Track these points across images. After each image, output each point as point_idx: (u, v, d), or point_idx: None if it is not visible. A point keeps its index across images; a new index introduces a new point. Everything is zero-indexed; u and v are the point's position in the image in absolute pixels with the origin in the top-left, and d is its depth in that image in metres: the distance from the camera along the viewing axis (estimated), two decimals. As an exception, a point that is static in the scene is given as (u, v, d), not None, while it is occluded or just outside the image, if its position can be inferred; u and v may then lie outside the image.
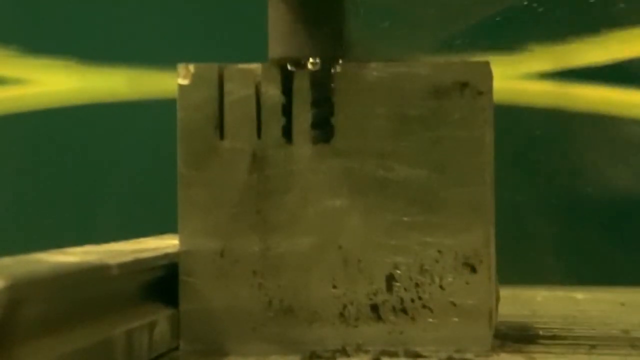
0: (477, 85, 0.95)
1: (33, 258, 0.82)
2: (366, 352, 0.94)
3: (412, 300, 0.95)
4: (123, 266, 0.85)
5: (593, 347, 0.97)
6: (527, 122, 1.66)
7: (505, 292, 1.09)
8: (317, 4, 0.97)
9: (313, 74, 0.96)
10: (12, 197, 1.79)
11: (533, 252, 1.65)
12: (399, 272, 0.95)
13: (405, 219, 0.95)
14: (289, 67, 0.96)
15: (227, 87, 0.97)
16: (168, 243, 1.04)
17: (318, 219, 0.96)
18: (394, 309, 0.95)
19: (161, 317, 0.93)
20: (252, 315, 0.96)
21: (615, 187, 1.65)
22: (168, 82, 1.29)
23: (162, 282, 0.96)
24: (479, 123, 0.95)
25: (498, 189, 0.98)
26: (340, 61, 0.97)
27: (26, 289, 0.67)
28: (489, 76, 0.96)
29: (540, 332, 1.05)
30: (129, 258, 0.88)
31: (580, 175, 1.66)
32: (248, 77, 0.97)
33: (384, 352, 0.93)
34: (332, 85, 0.96)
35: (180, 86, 0.98)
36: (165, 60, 1.65)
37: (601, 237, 1.65)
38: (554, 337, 1.02)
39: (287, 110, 0.97)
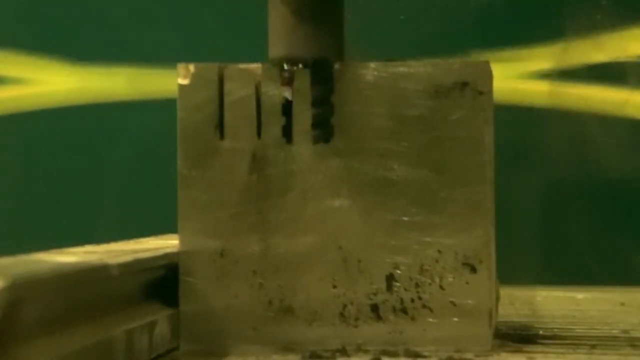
0: (477, 85, 0.95)
1: (33, 258, 0.82)
2: (366, 352, 0.94)
3: (412, 300, 0.95)
4: (123, 266, 0.85)
5: (593, 347, 0.97)
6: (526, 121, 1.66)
7: (506, 292, 1.09)
8: (316, 4, 0.97)
9: (313, 74, 0.96)
10: (12, 197, 1.79)
11: (533, 251, 1.65)
12: (399, 272, 0.95)
13: (405, 219, 0.95)
14: (285, 66, 0.96)
15: (227, 87, 0.97)
16: (168, 243, 1.04)
17: (318, 219, 0.96)
18: (394, 309, 0.95)
19: (161, 317, 0.93)
20: (252, 315, 0.96)
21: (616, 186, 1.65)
22: (168, 82, 1.29)
23: (162, 282, 0.96)
24: (479, 123, 0.95)
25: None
26: (340, 61, 0.97)
27: (26, 289, 0.67)
28: (489, 76, 0.96)
29: (540, 332, 1.05)
30: (129, 258, 0.88)
31: (581, 173, 1.66)
32: (248, 77, 0.97)
33: (384, 352, 0.93)
34: (332, 85, 0.96)
35: (180, 86, 0.98)
36: (165, 60, 1.65)
37: (601, 236, 1.65)
38: (554, 337, 1.02)
39: (287, 110, 0.97)
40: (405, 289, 0.95)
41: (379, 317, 0.95)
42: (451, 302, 0.94)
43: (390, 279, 0.95)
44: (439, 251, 0.95)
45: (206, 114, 0.97)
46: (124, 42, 1.77)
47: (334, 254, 0.95)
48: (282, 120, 0.96)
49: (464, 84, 0.95)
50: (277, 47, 0.97)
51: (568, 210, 1.66)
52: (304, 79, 0.96)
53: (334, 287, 0.96)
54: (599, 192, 1.65)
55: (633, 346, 0.97)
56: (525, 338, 1.01)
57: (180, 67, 0.98)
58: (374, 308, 0.95)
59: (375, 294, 0.95)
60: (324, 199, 0.96)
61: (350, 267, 0.95)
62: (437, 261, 0.95)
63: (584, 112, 1.66)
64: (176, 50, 1.70)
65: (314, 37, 0.96)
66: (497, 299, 1.01)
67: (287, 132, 0.96)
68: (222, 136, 0.97)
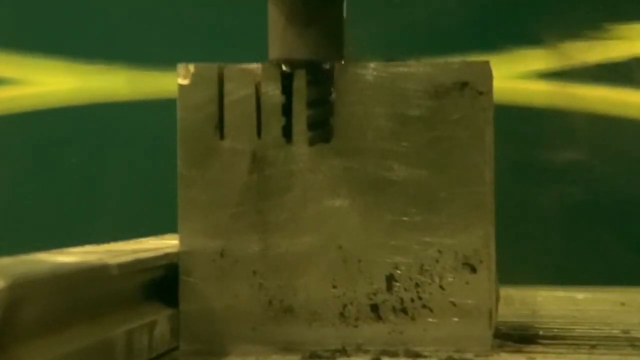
0: (477, 85, 0.95)
1: (33, 258, 0.82)
2: (366, 352, 0.94)
3: (412, 300, 0.95)
4: (123, 266, 0.85)
5: (593, 347, 0.97)
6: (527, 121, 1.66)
7: (506, 292, 1.09)
8: (314, 7, 0.97)
9: (312, 74, 0.96)
10: (12, 197, 1.79)
11: (534, 251, 1.65)
12: (399, 272, 0.95)
13: (405, 219, 0.95)
14: (283, 67, 0.96)
15: (227, 87, 0.97)
16: (168, 243, 1.04)
17: (318, 219, 0.96)
18: (394, 309, 0.95)
19: (161, 317, 0.93)
20: (252, 315, 0.96)
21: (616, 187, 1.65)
22: (168, 82, 1.29)
23: (162, 282, 0.96)
24: (479, 123, 0.95)
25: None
26: (340, 62, 0.97)
27: (26, 289, 0.67)
28: (489, 76, 0.96)
29: (540, 332, 1.05)
30: (129, 258, 0.88)
31: (582, 174, 1.66)
32: (248, 77, 0.97)
33: (384, 352, 0.93)
34: (331, 85, 0.96)
35: (180, 86, 0.98)
36: (165, 60, 1.65)
37: (602, 236, 1.65)
38: (554, 337, 1.02)
39: (287, 110, 0.97)
40: (405, 289, 0.95)
41: (379, 317, 0.95)
42: (451, 302, 0.94)
43: (390, 279, 0.95)
44: (439, 251, 0.95)
45: (206, 114, 0.97)
46: (124, 42, 1.77)
47: (334, 254, 0.95)
48: (282, 120, 0.96)
49: (464, 84, 0.95)
50: (275, 48, 0.97)
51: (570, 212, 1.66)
52: (303, 79, 0.96)
53: (334, 287, 0.96)
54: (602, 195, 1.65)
55: (633, 346, 0.97)
56: (525, 338, 1.01)
57: (180, 67, 0.98)
58: (374, 308, 0.95)
59: (375, 294, 0.95)
60: (324, 199, 0.96)
61: (350, 267, 0.95)
62: (437, 261, 0.95)
63: (583, 112, 1.66)
64: (176, 50, 1.70)
65: (312, 39, 0.96)
66: (497, 299, 1.01)
67: (287, 132, 0.96)
68: (222, 136, 0.97)
